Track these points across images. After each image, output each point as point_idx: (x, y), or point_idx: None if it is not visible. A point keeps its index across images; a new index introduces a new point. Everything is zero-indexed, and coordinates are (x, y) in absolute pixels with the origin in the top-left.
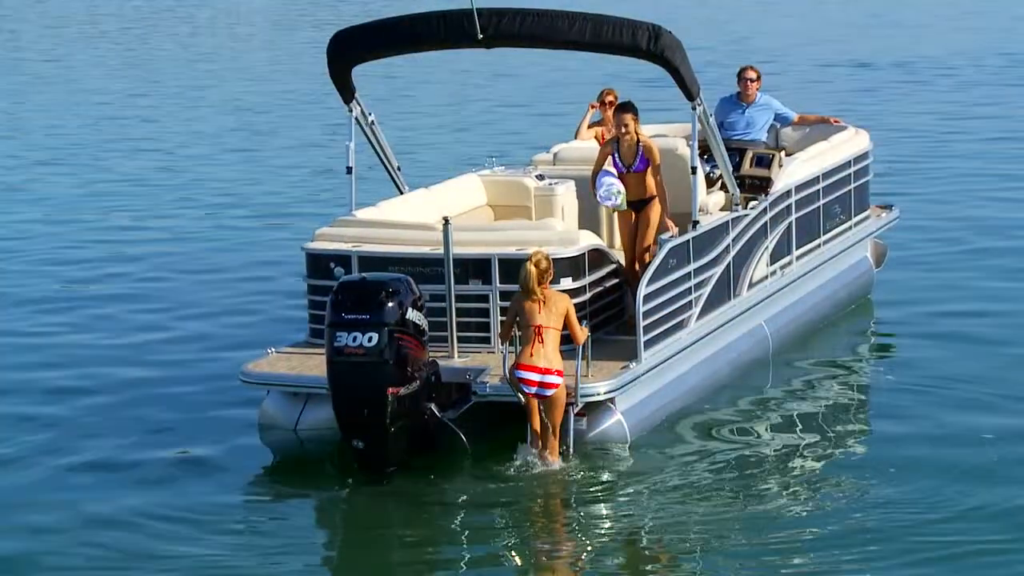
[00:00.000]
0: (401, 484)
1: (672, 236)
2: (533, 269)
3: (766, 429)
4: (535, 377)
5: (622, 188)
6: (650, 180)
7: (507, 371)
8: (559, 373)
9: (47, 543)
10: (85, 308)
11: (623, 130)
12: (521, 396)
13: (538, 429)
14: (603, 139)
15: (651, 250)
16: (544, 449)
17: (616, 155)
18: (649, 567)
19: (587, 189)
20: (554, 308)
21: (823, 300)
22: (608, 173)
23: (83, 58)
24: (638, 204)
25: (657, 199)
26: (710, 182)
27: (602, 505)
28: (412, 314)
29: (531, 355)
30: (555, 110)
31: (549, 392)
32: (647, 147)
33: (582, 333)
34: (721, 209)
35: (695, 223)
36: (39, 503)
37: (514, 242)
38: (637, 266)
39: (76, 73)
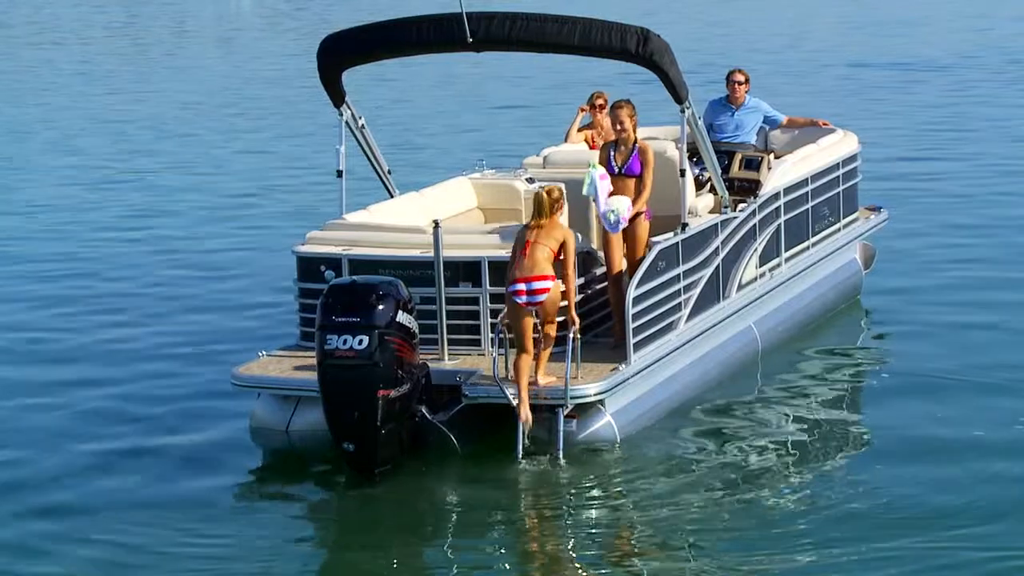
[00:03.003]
0: (392, 486)
1: (665, 239)
2: (545, 196)
3: (755, 430)
4: (522, 287)
5: (621, 217)
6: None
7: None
8: (547, 277)
9: (37, 545)
10: (77, 310)
11: (619, 127)
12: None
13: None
14: (593, 142)
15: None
16: (537, 378)
17: (612, 156)
18: (640, 568)
19: (577, 192)
20: (550, 232)
21: (812, 302)
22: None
23: (76, 63)
24: None
25: (644, 215)
26: (699, 184)
27: (592, 506)
28: (402, 317)
29: (517, 269)
30: (545, 113)
31: (540, 297)
32: (642, 150)
33: (574, 275)
34: (710, 212)
35: (684, 225)
36: (30, 504)
37: (504, 245)
38: (620, 284)
39: (69, 78)
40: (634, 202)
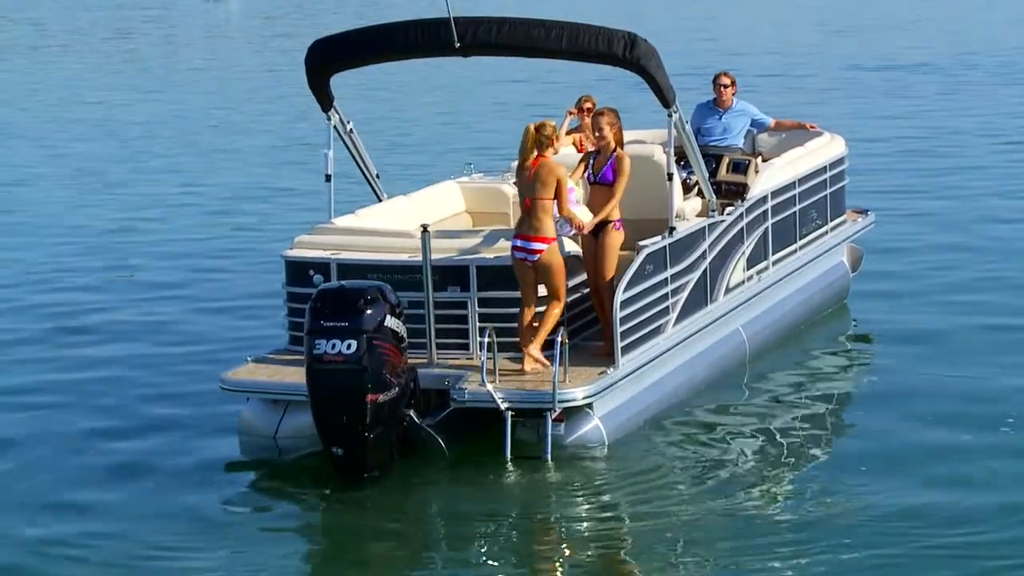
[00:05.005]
0: (380, 491)
1: (653, 242)
2: (533, 132)
3: (743, 433)
4: (520, 244)
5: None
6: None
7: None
8: (544, 240)
9: (20, 551)
10: (64, 316)
11: (598, 134)
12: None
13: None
14: (581, 145)
15: (611, 281)
16: (530, 345)
17: (591, 164)
18: (628, 571)
19: None
20: (545, 178)
21: (799, 305)
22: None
23: (61, 67)
24: (597, 226)
25: (613, 225)
26: (687, 188)
27: (581, 510)
28: (390, 321)
29: (522, 225)
30: (533, 117)
31: (534, 257)
32: (619, 159)
33: (570, 210)
34: (698, 215)
35: (672, 229)
36: (14, 509)
37: (492, 249)
38: (601, 294)
39: (56, 83)
40: (600, 209)
